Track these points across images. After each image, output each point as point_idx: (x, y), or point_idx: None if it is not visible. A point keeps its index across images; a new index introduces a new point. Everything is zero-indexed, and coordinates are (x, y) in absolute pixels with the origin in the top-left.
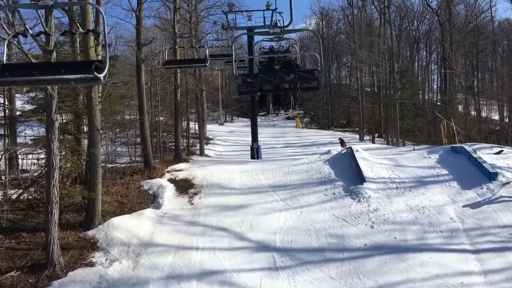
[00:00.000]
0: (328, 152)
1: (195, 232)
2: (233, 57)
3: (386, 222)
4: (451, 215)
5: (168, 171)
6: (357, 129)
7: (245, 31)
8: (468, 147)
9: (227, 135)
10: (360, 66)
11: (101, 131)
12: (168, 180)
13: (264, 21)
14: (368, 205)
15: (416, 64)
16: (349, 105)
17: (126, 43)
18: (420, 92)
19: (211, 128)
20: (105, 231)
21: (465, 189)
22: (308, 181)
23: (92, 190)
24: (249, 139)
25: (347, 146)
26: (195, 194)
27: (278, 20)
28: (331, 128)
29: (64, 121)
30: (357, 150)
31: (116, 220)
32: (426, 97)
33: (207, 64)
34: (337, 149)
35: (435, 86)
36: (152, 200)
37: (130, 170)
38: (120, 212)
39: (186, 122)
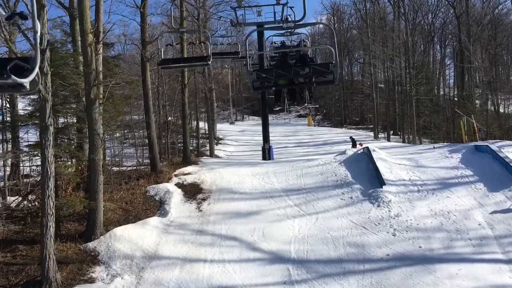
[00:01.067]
0: (344, 152)
1: (203, 242)
2: (247, 53)
3: (409, 229)
4: (479, 220)
5: (175, 175)
6: (371, 126)
7: (255, 27)
8: (493, 145)
9: (238, 134)
10: (373, 62)
11: (102, 135)
12: (175, 184)
13: (275, 16)
14: (389, 210)
15: (431, 58)
16: (362, 102)
17: (132, 42)
18: (435, 87)
19: (222, 128)
20: (106, 242)
21: (492, 191)
22: (323, 184)
23: (92, 198)
24: (260, 138)
25: (363, 146)
26: (204, 199)
27: (289, 15)
28: (344, 125)
29: (65, 124)
30: (374, 150)
31: (119, 230)
32: (442, 93)
33: (209, 62)
34: (352, 149)
35: (451, 81)
36: (158, 206)
37: (136, 174)
38: (124, 220)
39: (195, 122)
